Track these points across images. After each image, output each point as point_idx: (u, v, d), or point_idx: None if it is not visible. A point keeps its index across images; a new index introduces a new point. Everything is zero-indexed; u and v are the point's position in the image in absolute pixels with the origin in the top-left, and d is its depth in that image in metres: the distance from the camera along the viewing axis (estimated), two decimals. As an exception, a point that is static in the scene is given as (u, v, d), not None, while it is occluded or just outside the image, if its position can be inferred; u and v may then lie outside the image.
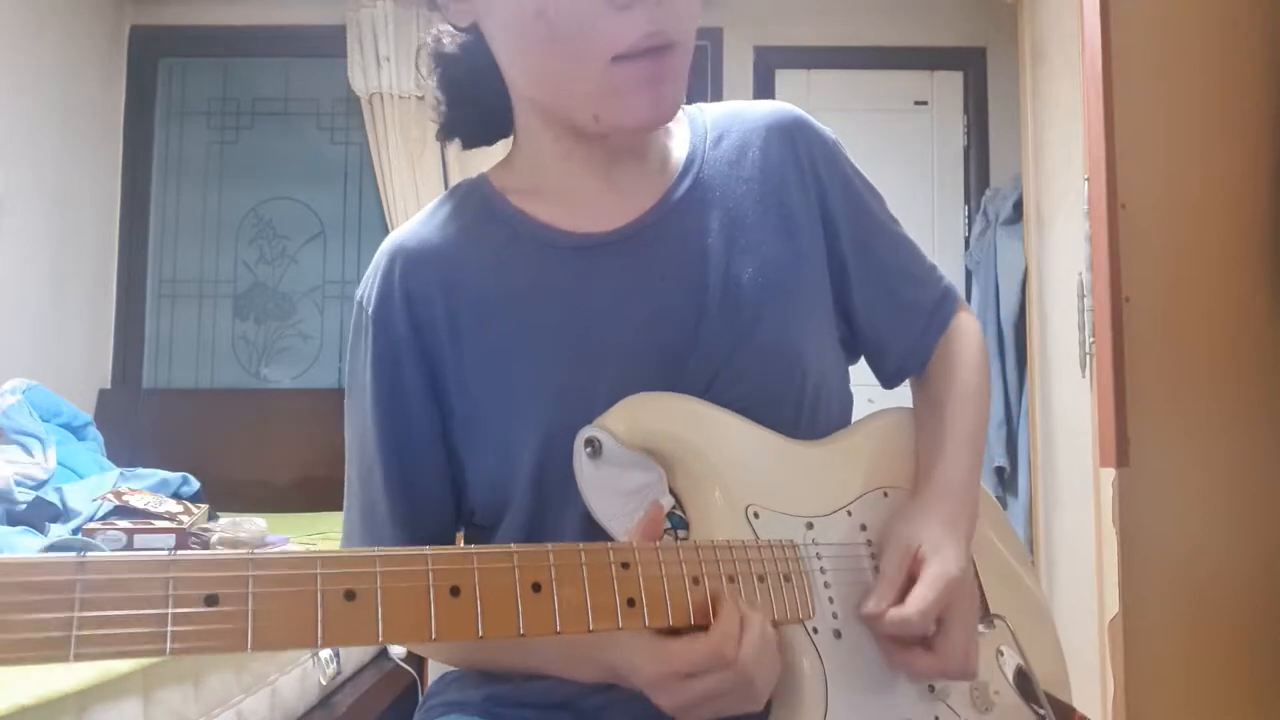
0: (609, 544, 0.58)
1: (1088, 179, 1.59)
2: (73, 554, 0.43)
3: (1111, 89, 1.50)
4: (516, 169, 0.79)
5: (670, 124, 0.78)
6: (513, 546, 0.54)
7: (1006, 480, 3.01)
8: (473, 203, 0.78)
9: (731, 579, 0.62)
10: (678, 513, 0.68)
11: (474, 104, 0.80)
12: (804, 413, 0.75)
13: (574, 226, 0.75)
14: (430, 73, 0.79)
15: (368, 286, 0.76)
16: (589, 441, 0.66)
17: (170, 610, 0.44)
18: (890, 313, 0.84)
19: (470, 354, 0.73)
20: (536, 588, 0.54)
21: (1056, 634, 0.86)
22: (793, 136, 0.80)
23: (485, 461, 0.74)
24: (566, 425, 0.68)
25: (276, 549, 0.45)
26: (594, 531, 0.67)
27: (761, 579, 0.64)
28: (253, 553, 0.47)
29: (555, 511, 0.72)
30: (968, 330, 0.87)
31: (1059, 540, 2.58)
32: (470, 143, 0.82)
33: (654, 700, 0.60)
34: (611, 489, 0.66)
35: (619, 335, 0.71)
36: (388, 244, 0.77)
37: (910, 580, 0.69)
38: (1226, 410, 1.52)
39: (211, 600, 0.45)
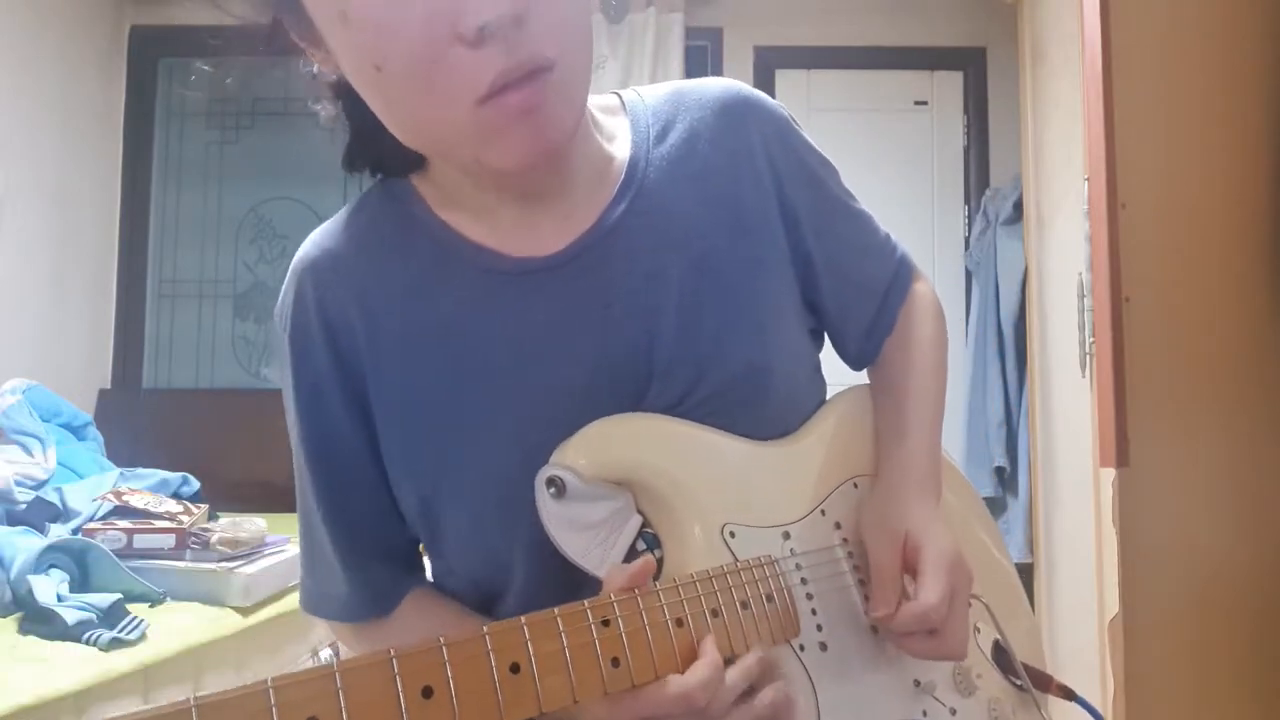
0: (586, 602, 0.55)
1: (1088, 179, 1.59)
2: None
3: (1111, 89, 1.50)
4: (438, 183, 0.70)
5: (606, 121, 0.72)
6: (485, 628, 0.50)
7: (1006, 480, 3.01)
8: (394, 210, 0.70)
9: (715, 613, 0.60)
10: (649, 530, 0.66)
11: (380, 135, 0.69)
12: (774, 420, 0.73)
13: (509, 249, 0.67)
14: (333, 104, 0.71)
15: (283, 307, 0.70)
16: (551, 481, 0.63)
17: None
18: (850, 294, 0.80)
19: (396, 385, 0.67)
20: (515, 668, 0.50)
21: (1027, 603, 0.86)
22: (743, 121, 0.73)
23: (424, 495, 0.69)
24: (524, 469, 0.64)
25: (218, 692, 0.43)
26: (551, 550, 0.64)
27: (745, 605, 0.62)
28: (194, 699, 0.42)
29: (517, 541, 0.68)
30: (924, 301, 0.84)
31: (1059, 540, 2.58)
32: (377, 171, 0.73)
33: None
34: (579, 523, 0.63)
35: (568, 373, 0.66)
36: (300, 260, 0.70)
37: (906, 568, 0.68)
38: (1226, 410, 1.52)
39: None
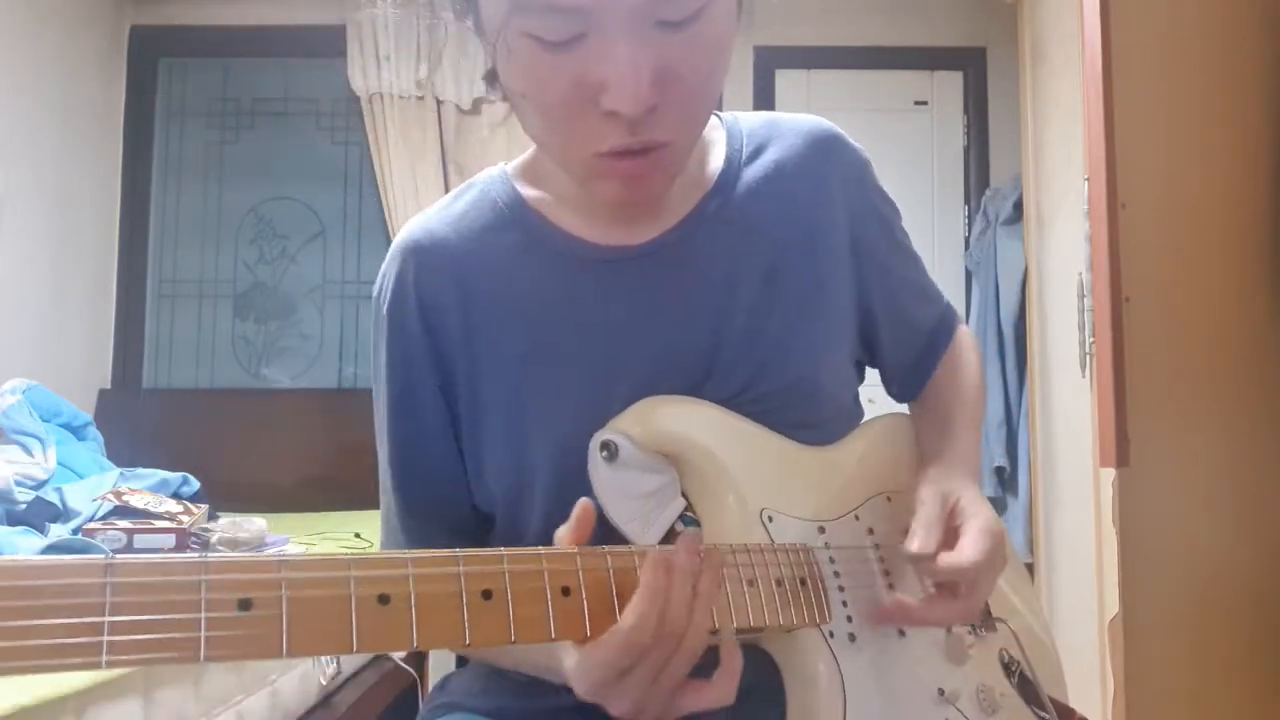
0: (633, 548, 0.58)
1: (1088, 179, 1.59)
2: (101, 555, 0.42)
3: (1111, 89, 1.50)
4: (538, 172, 0.77)
5: (707, 132, 0.78)
6: (541, 550, 0.54)
7: (1006, 480, 3.01)
8: (492, 199, 0.77)
9: (751, 582, 0.62)
10: (689, 514, 0.68)
11: None
12: (817, 431, 0.75)
13: (596, 238, 0.73)
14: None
15: (383, 283, 0.76)
16: (605, 445, 0.66)
17: (204, 615, 0.43)
18: (904, 331, 0.85)
19: (484, 362, 0.72)
20: (566, 591, 0.54)
21: (1052, 635, 0.86)
22: (829, 156, 0.79)
23: (494, 469, 0.73)
24: (580, 445, 0.67)
25: (305, 553, 0.47)
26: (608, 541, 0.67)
27: (779, 583, 0.64)
28: (284, 555, 0.46)
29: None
30: (966, 342, 0.90)
31: (1059, 540, 2.58)
32: None
33: (610, 713, 0.57)
34: (627, 492, 0.66)
35: (634, 356, 0.71)
36: (403, 240, 0.76)
37: (950, 530, 0.70)
38: (1226, 410, 1.52)
39: (245, 605, 0.44)
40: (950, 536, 0.69)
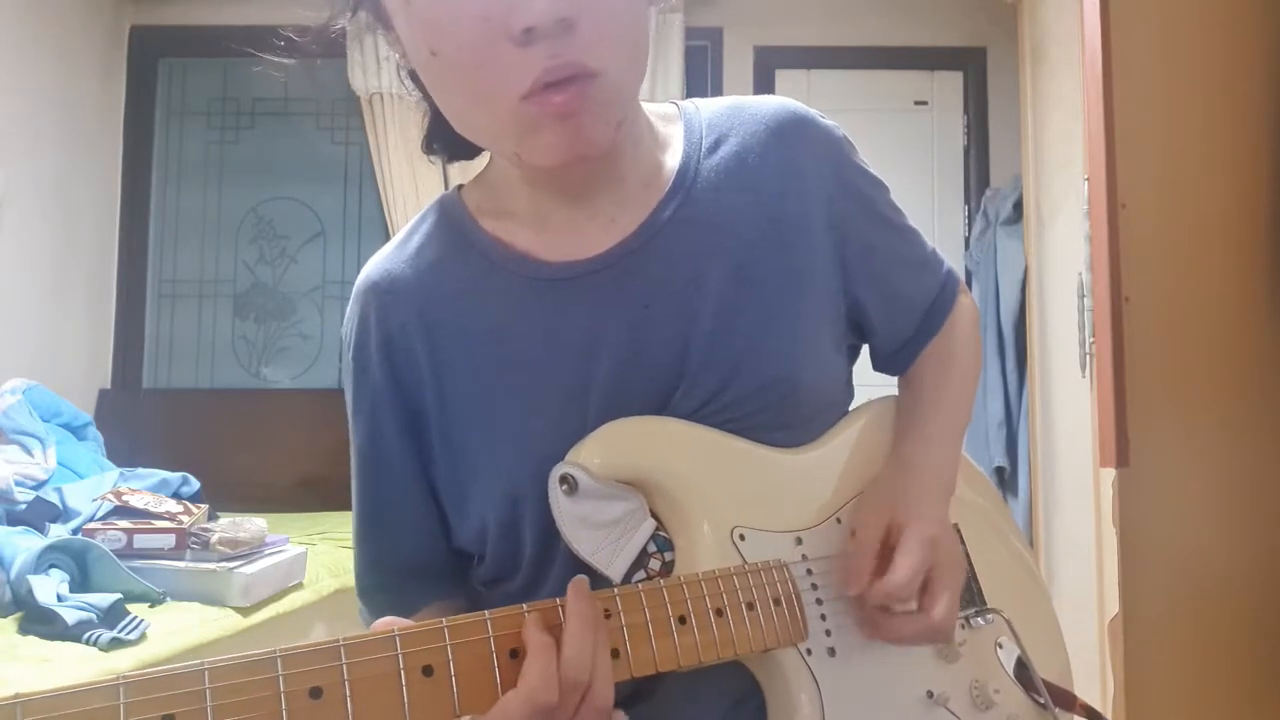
0: (590, 593, 0.56)
1: (1088, 179, 1.59)
2: (11, 695, 0.41)
3: (1111, 89, 1.50)
4: (489, 187, 0.75)
5: (661, 129, 0.74)
6: (486, 613, 0.52)
7: (1006, 480, 3.01)
8: (446, 229, 0.74)
9: (720, 612, 0.61)
10: (662, 534, 0.66)
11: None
12: (798, 430, 0.73)
13: (552, 255, 0.70)
14: (414, 87, 0.74)
15: (348, 329, 0.74)
16: (564, 479, 0.64)
17: None
18: (895, 309, 0.81)
19: (454, 394, 0.70)
20: (514, 654, 0.52)
21: (1058, 623, 0.85)
22: (796, 139, 0.75)
23: (480, 502, 0.71)
24: (552, 465, 0.65)
25: (230, 656, 0.47)
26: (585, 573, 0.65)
27: (750, 606, 0.62)
28: (205, 663, 0.45)
29: (542, 536, 0.68)
30: (965, 314, 0.85)
31: (1059, 540, 2.58)
32: (452, 156, 0.76)
33: None
34: (591, 522, 0.64)
35: (602, 370, 0.68)
36: (360, 283, 0.74)
37: (887, 550, 0.68)
38: (1226, 410, 1.52)
39: None
40: (886, 560, 0.68)
